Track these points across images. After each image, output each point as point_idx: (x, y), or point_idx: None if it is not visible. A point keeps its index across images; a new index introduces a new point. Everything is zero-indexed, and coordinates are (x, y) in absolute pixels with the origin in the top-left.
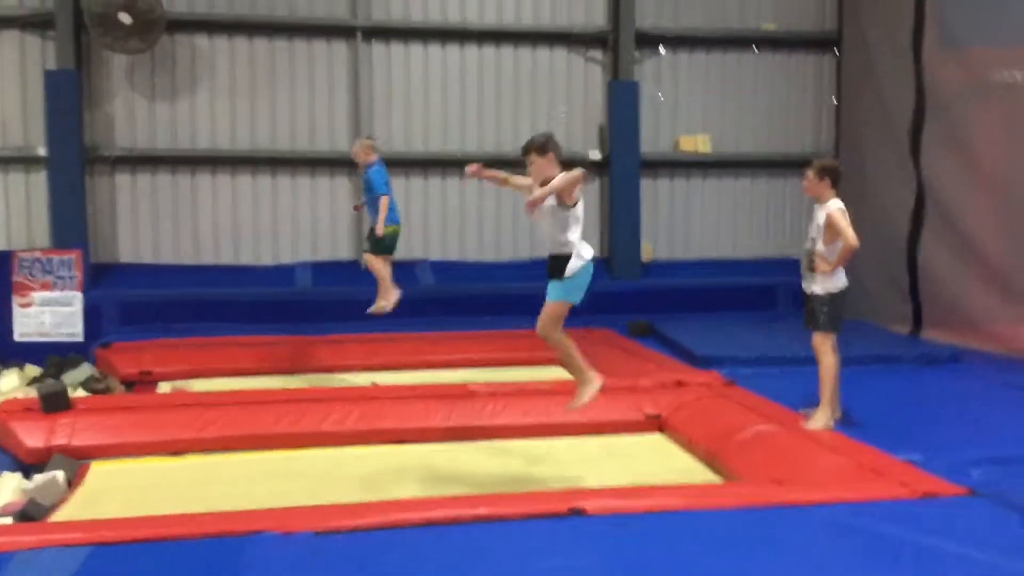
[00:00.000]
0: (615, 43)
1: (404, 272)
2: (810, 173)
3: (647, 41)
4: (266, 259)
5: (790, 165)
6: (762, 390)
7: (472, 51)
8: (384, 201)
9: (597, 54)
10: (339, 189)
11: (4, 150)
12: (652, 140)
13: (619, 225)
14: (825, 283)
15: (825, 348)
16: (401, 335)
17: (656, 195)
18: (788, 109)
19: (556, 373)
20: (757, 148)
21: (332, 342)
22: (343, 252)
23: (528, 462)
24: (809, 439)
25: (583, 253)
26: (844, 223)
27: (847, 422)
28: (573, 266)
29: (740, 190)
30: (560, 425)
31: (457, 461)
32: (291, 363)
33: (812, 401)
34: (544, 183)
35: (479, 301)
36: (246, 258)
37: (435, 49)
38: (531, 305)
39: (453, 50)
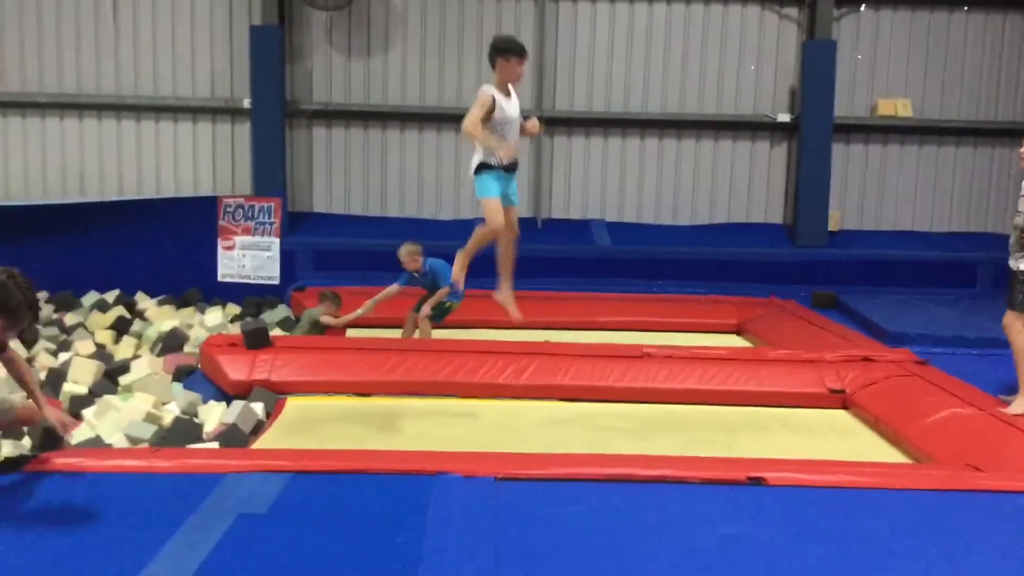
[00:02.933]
0: (812, 1)
1: (580, 231)
2: None
3: None
4: (446, 213)
5: (1000, 134)
6: (957, 372)
7: (660, 9)
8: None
9: (792, 11)
10: (521, 146)
11: (213, 101)
12: (847, 103)
13: (806, 191)
14: None
15: (1017, 328)
16: (575, 294)
17: (848, 161)
18: (999, 73)
19: (732, 341)
20: (963, 115)
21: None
22: (520, 210)
23: (702, 429)
24: (1010, 424)
25: None
26: None
27: None
28: None
29: (942, 159)
30: (737, 393)
31: (630, 422)
32: (468, 315)
33: (1012, 386)
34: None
35: (654, 264)
36: (428, 211)
37: (623, 7)
38: (707, 271)
39: (641, 8)
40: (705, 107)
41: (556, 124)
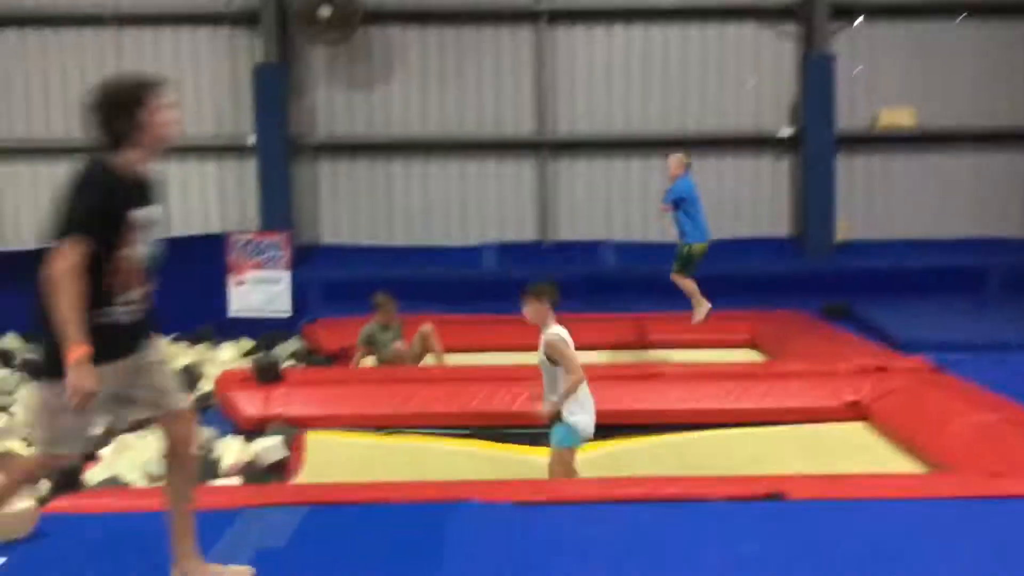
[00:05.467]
0: (808, 15)
1: (586, 252)
2: None
3: (843, 11)
4: (455, 240)
5: (1004, 139)
6: (972, 377)
7: (657, 30)
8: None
9: (789, 27)
10: (523, 172)
11: (218, 139)
12: (848, 116)
13: (812, 204)
14: None
15: None
16: (585, 315)
17: (853, 173)
18: (1000, 79)
19: (747, 355)
20: (966, 121)
21: (519, 321)
22: (527, 233)
23: (720, 447)
24: None
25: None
26: None
27: None
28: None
29: (947, 166)
30: (754, 411)
31: (647, 444)
32: (481, 341)
33: None
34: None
35: (661, 283)
36: (437, 239)
37: (619, 30)
38: (712, 287)
39: (638, 30)
40: (706, 125)
41: (559, 148)
